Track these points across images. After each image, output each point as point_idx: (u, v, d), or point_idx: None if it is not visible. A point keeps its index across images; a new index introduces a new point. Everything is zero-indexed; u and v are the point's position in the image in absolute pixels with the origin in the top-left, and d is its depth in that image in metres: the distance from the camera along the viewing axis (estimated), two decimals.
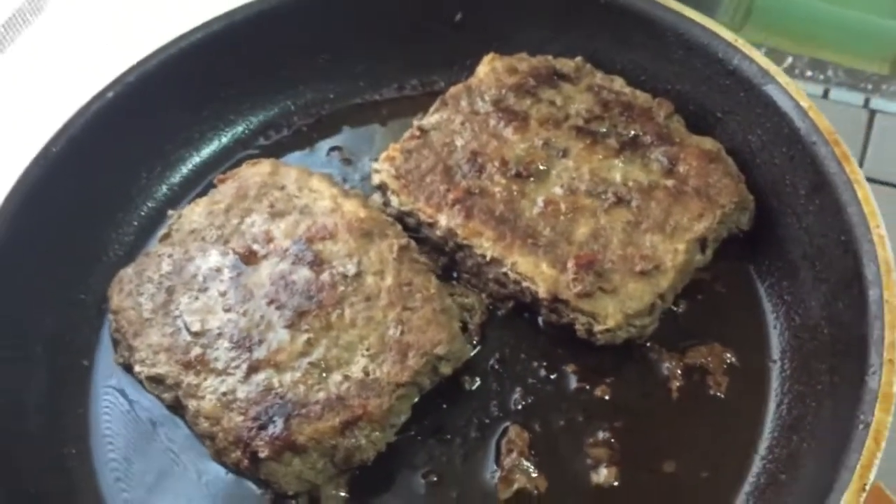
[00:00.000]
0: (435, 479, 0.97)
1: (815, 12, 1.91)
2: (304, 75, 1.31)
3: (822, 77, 1.87)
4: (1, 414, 0.98)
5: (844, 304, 0.94)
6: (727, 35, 1.11)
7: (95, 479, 1.00)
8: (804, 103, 1.03)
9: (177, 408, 1.02)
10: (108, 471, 1.01)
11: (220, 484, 0.99)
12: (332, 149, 1.27)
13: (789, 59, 1.87)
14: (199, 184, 1.25)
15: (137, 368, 1.02)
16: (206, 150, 1.28)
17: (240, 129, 1.30)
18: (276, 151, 1.27)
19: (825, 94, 1.83)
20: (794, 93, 1.04)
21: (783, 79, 1.06)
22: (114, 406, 1.06)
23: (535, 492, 0.95)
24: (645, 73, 1.21)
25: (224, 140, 1.29)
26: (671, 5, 1.16)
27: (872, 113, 1.81)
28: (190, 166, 1.26)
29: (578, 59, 1.22)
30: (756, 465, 0.94)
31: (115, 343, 1.08)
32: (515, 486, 0.95)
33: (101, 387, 1.07)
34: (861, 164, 1.72)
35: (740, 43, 1.10)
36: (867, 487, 0.76)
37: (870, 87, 1.82)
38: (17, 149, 1.14)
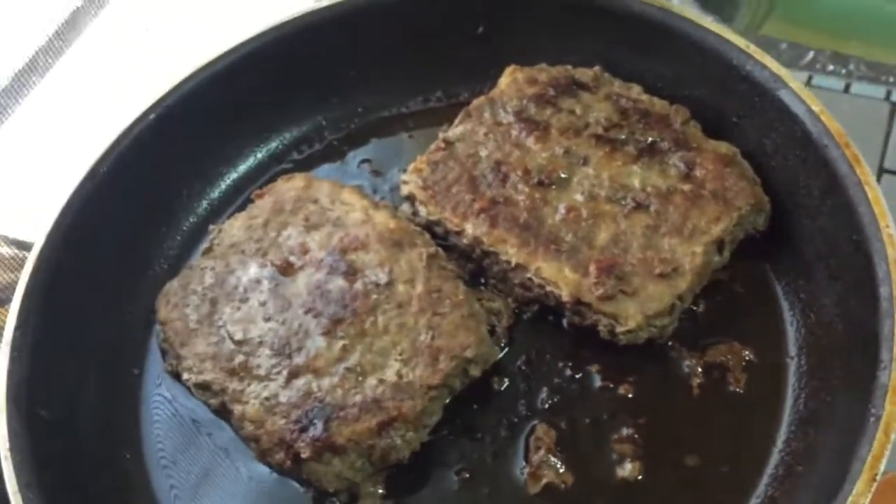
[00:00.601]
0: (467, 475, 1.02)
1: (838, 2, 1.92)
2: (334, 91, 1.36)
3: (843, 71, 1.89)
4: (58, 423, 1.03)
5: (857, 301, 0.97)
6: (740, 42, 1.15)
7: (149, 481, 1.06)
8: (815, 107, 1.07)
9: (223, 412, 1.07)
10: (161, 474, 1.07)
11: (266, 482, 1.04)
12: (362, 161, 1.32)
13: (811, 54, 1.89)
14: (238, 198, 1.31)
15: (185, 376, 1.09)
16: (243, 167, 1.34)
17: (274, 144, 1.36)
18: (308, 165, 1.33)
19: (846, 89, 1.85)
20: (805, 97, 1.08)
21: (795, 84, 1.09)
22: (164, 412, 1.12)
23: (563, 486, 0.99)
24: (662, 80, 1.24)
25: (259, 156, 1.35)
26: (686, 14, 1.19)
27: (894, 105, 1.82)
28: (228, 182, 1.32)
29: (596, 68, 1.26)
30: (774, 458, 0.98)
31: (164, 352, 1.14)
32: (544, 481, 1.00)
33: (152, 394, 1.14)
34: (883, 157, 1.74)
35: (752, 49, 1.14)
36: (878, 477, 0.80)
37: (891, 79, 1.83)
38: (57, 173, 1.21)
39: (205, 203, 1.31)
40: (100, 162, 1.19)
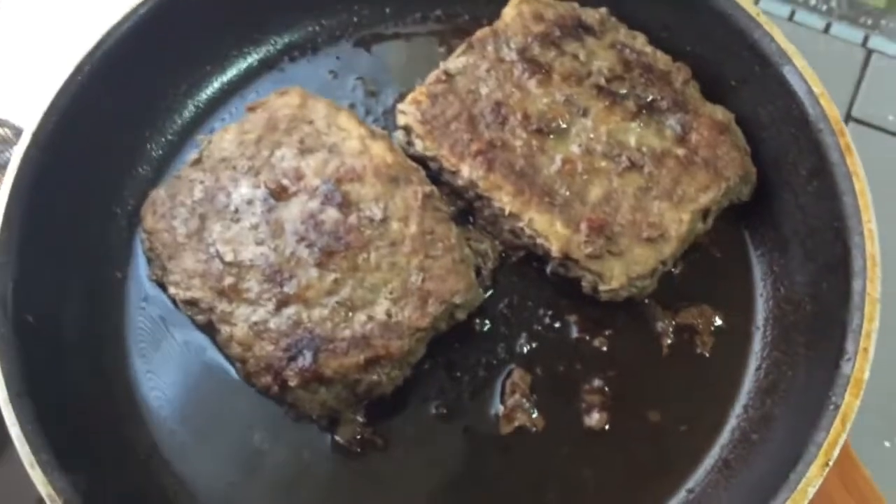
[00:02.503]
0: (444, 411, 1.07)
1: None
2: None
3: (825, 8, 1.90)
4: (44, 329, 1.04)
5: (828, 286, 1.03)
6: (751, 9, 1.15)
7: (133, 387, 1.09)
8: (817, 89, 1.08)
9: (208, 329, 1.10)
10: (144, 378, 1.10)
11: (249, 399, 1.08)
12: (357, 78, 1.30)
13: None
14: (224, 104, 1.29)
15: (172, 290, 1.09)
16: (232, 70, 1.30)
17: (265, 48, 1.32)
18: (300, 74, 1.31)
19: (826, 29, 1.87)
20: (808, 77, 1.09)
21: (800, 62, 1.11)
22: (146, 317, 1.14)
23: (534, 429, 1.06)
24: (667, 31, 1.24)
25: (249, 59, 1.31)
26: None
27: (869, 53, 1.85)
28: (216, 85, 1.29)
29: (603, 10, 1.24)
30: (731, 422, 1.05)
31: (149, 260, 1.14)
32: (516, 424, 1.06)
33: (135, 300, 1.15)
34: (851, 105, 1.78)
35: (762, 19, 1.14)
36: (830, 463, 0.88)
37: (870, 22, 1.86)
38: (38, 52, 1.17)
39: (191, 105, 1.28)
40: (87, 58, 1.15)
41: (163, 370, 1.11)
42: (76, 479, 0.93)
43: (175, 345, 1.12)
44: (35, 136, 1.09)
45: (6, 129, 1.36)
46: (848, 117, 1.78)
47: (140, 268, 1.17)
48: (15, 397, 0.95)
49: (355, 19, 1.34)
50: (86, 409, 1.04)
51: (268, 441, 1.07)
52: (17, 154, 1.08)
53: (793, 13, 1.90)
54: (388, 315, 1.04)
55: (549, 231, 1.08)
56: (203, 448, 1.06)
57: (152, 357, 1.12)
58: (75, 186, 1.14)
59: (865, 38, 1.88)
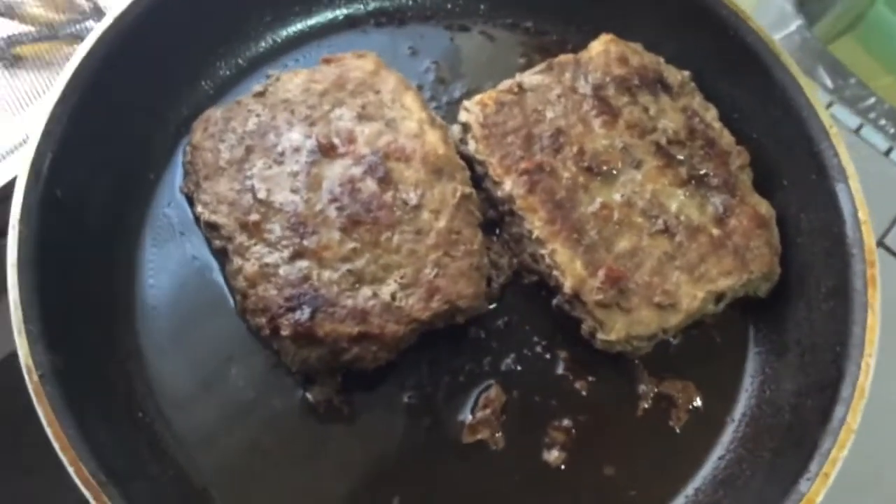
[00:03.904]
0: (415, 402, 1.09)
1: None
2: None
3: (892, 131, 1.91)
4: (68, 210, 1.06)
5: (812, 403, 1.05)
6: (825, 119, 1.16)
7: (133, 285, 1.12)
8: (862, 215, 1.10)
9: (221, 255, 1.12)
10: (145, 282, 1.12)
11: (238, 333, 1.11)
12: (433, 62, 1.32)
13: (871, 100, 1.89)
14: (300, 47, 1.31)
15: (199, 209, 1.12)
16: (318, 17, 1.33)
17: (354, 6, 1.34)
18: (380, 41, 1.33)
19: (888, 152, 1.89)
20: (858, 201, 1.11)
21: (854, 184, 1.12)
22: (165, 225, 1.17)
23: (493, 447, 1.07)
24: (739, 114, 1.25)
25: (337, 12, 1.34)
26: (790, 67, 1.19)
27: None
28: (299, 27, 1.31)
29: (686, 74, 1.26)
30: (679, 501, 1.07)
31: (186, 173, 1.17)
32: (479, 436, 1.08)
33: (160, 204, 1.18)
34: (887, 233, 1.80)
35: (833, 131, 1.15)
36: None
37: None
38: None
39: (269, 38, 1.30)
40: None
41: (165, 278, 1.14)
42: (55, 359, 0.95)
43: (185, 257, 1.15)
44: (118, 19, 1.12)
45: (85, 1, 1.38)
46: (879, 242, 1.80)
47: (174, 176, 1.19)
48: (23, 263, 0.98)
49: (449, 6, 1.36)
50: (83, 296, 1.06)
51: (243, 378, 1.09)
52: (94, 33, 1.10)
53: (860, 127, 1.92)
54: (393, 298, 1.06)
55: (568, 267, 1.10)
56: (181, 365, 1.09)
57: (160, 262, 1.14)
58: (138, 81, 1.16)
59: None
